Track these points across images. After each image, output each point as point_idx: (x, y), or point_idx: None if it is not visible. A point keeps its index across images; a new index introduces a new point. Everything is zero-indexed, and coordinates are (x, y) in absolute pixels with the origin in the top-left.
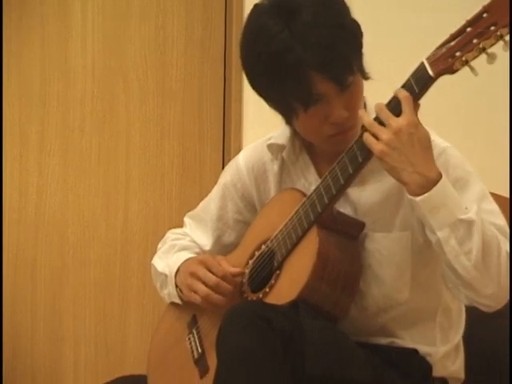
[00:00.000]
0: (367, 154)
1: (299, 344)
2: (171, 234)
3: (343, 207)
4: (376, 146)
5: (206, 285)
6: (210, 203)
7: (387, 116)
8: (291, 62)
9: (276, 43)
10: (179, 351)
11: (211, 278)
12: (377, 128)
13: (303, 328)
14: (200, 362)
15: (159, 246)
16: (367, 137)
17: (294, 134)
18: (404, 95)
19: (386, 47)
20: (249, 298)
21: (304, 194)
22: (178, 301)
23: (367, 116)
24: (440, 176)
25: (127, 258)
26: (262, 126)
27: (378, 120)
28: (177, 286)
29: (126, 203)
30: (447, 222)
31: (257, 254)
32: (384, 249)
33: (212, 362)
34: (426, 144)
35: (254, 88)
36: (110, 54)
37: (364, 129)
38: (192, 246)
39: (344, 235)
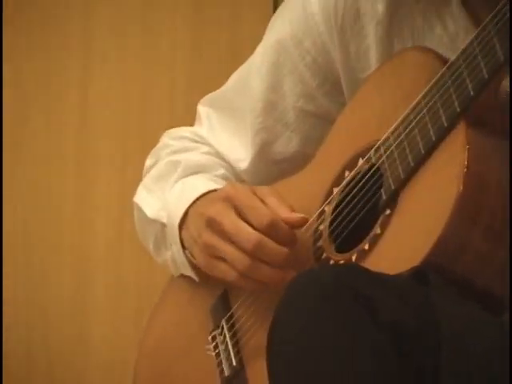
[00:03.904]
0: None
1: (428, 348)
2: (171, 141)
3: None
4: None
5: (239, 247)
6: (250, 79)
7: None
8: None
9: None
10: (193, 363)
11: (247, 235)
12: None
13: (435, 320)
14: None
15: (148, 163)
16: None
17: None
18: None
19: None
20: (331, 261)
21: (442, 60)
22: (191, 274)
23: None
24: None
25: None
26: None
27: None
28: (184, 248)
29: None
30: None
31: (348, 176)
32: None
33: (258, 382)
34: None
35: None
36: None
37: None
38: (212, 164)
39: None
